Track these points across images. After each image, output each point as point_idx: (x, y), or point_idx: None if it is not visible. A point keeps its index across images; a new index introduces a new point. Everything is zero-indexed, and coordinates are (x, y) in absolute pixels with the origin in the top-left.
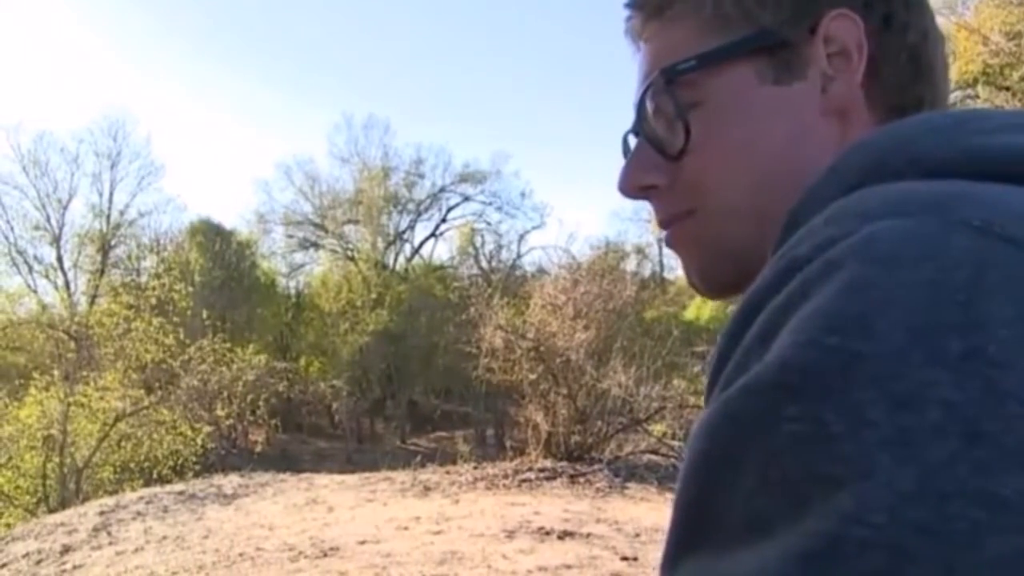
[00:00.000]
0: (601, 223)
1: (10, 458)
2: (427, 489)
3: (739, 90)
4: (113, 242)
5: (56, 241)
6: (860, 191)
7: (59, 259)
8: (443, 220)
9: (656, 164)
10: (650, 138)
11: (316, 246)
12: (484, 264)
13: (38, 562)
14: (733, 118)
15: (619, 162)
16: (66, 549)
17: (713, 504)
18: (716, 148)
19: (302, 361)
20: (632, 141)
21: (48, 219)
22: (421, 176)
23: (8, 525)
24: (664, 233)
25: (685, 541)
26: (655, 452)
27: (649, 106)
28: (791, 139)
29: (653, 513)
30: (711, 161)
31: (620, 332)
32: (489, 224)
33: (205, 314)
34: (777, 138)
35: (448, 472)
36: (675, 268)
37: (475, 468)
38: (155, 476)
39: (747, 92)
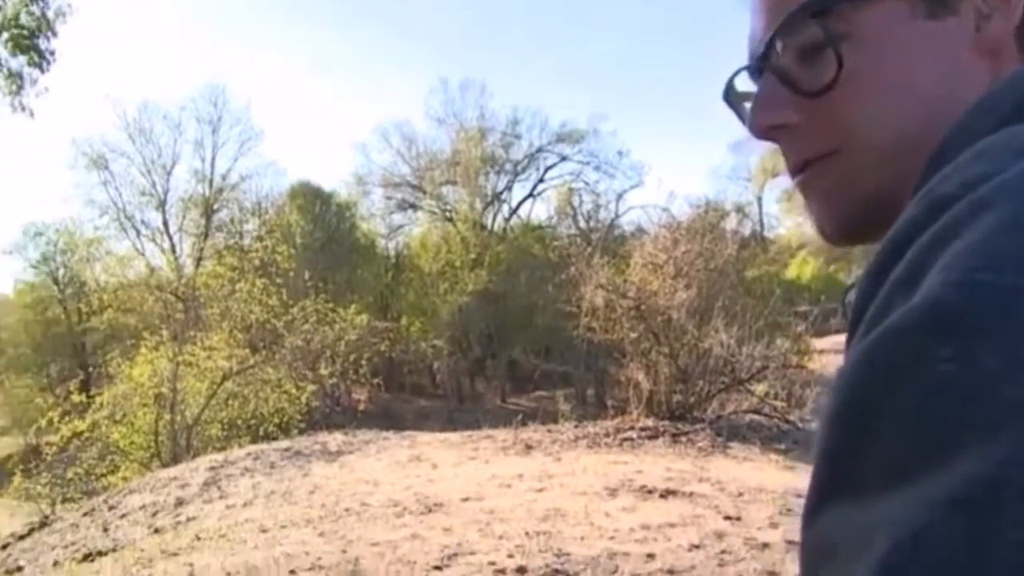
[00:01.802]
0: (700, 182)
1: (124, 415)
2: (529, 447)
3: (891, 23)
4: (216, 206)
5: (162, 206)
6: (1011, 127)
7: (165, 223)
8: (540, 180)
9: (789, 102)
10: (782, 74)
11: (414, 207)
12: (582, 224)
13: (154, 514)
14: (885, 52)
15: (719, 120)
16: (179, 502)
17: (856, 452)
18: (867, 83)
19: (403, 321)
20: (741, 82)
21: (153, 185)
22: (518, 137)
23: (124, 478)
24: (797, 177)
25: (827, 490)
26: (757, 412)
27: (780, 42)
28: (943, 77)
29: (756, 473)
30: (861, 97)
31: (721, 291)
32: (587, 184)
33: (307, 275)
34: (930, 75)
35: (549, 431)
36: (775, 227)
37: (576, 427)
38: (261, 433)
39: (899, 25)
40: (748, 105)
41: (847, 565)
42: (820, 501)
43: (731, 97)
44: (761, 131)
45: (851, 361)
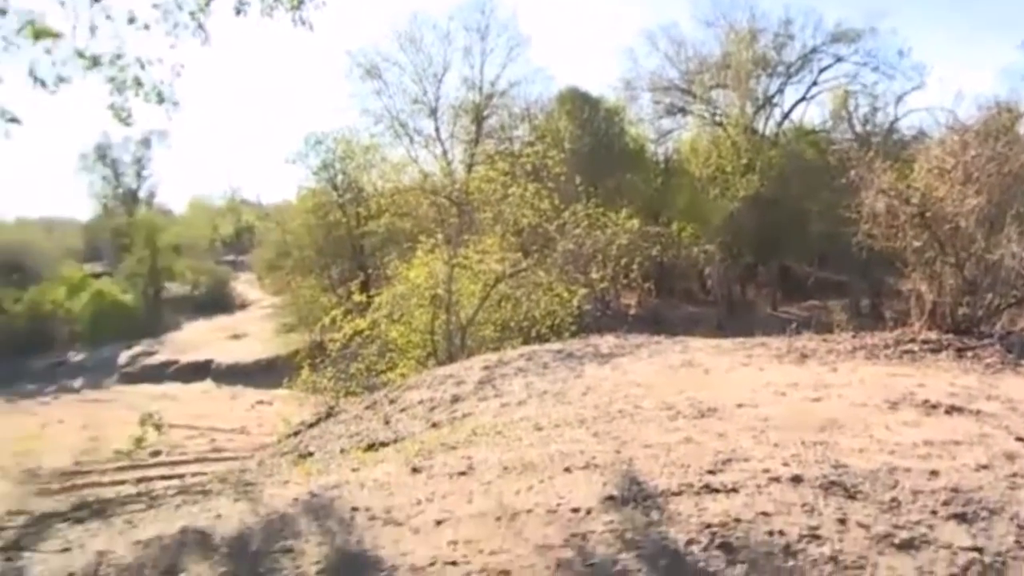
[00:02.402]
0: (986, 83)
1: (402, 314)
2: (804, 356)
3: None
4: (486, 113)
5: (433, 113)
6: None
7: (436, 130)
8: (814, 83)
9: None
10: None
11: (683, 111)
12: (858, 128)
13: (431, 409)
14: None
15: (1007, 16)
16: (455, 399)
17: None
18: None
19: (673, 226)
20: None
21: (425, 93)
22: (790, 37)
23: (402, 375)
24: None
25: None
26: None
27: None
28: None
29: None
30: None
31: (1015, 198)
32: (864, 86)
33: (577, 180)
34: None
35: (825, 340)
36: None
37: (853, 337)
38: (533, 335)
39: None
40: None
41: None
42: None
43: None
44: None
45: None
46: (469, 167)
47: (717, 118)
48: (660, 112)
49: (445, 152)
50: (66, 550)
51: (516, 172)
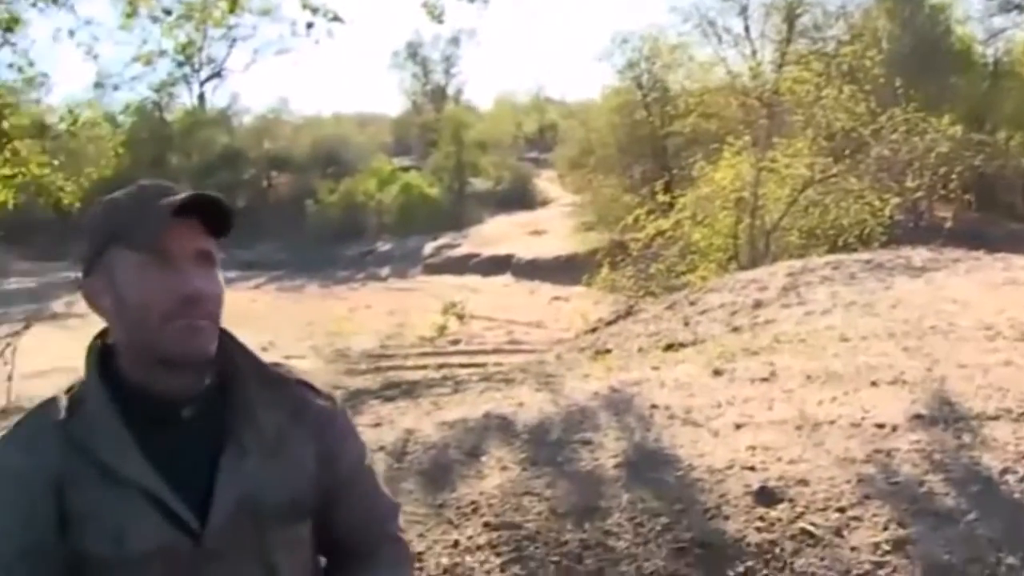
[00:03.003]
0: None
1: (705, 216)
2: None
3: None
4: (799, 11)
5: (743, 12)
6: None
7: (746, 29)
8: None
9: None
10: None
11: (1020, 8)
12: None
13: (732, 313)
14: None
15: None
16: (757, 304)
17: None
18: None
19: (1000, 135)
20: None
21: None
22: None
23: (703, 278)
24: None
25: None
26: None
27: None
28: None
29: None
30: None
31: None
32: None
33: (896, 83)
34: None
35: None
36: None
37: None
38: (840, 244)
39: None
40: None
41: None
42: None
43: None
44: None
45: None
46: (779, 67)
47: None
48: (992, 9)
49: (754, 52)
50: (377, 425)
51: (830, 73)
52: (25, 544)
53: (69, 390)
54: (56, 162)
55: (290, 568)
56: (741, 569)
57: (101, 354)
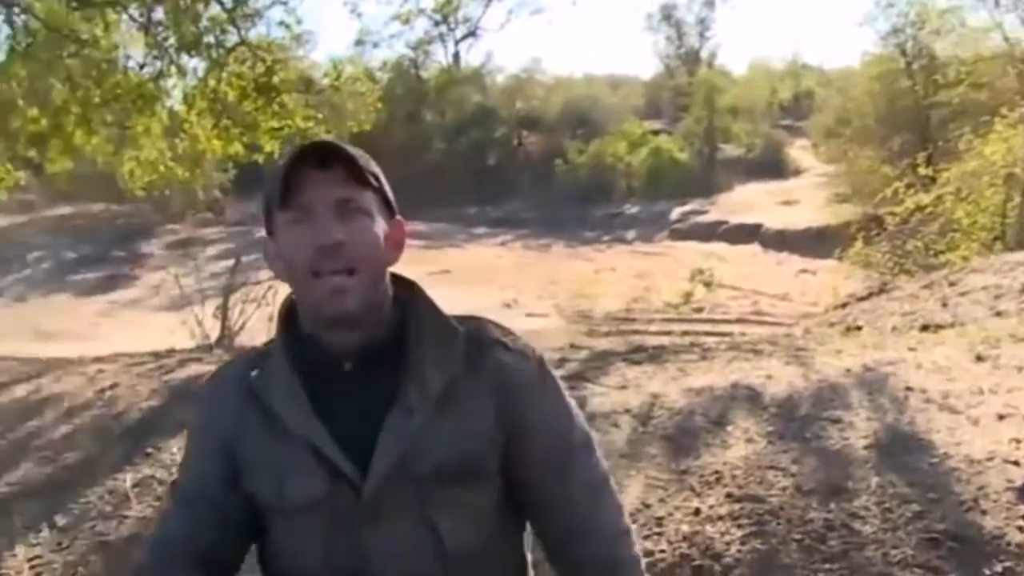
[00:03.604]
0: None
1: (971, 193)
2: None
3: None
4: None
5: None
6: None
7: None
8: None
9: None
10: None
11: None
12: None
13: (996, 296)
14: None
15: None
16: None
17: None
18: None
19: None
20: None
21: None
22: None
23: (964, 257)
24: None
25: None
26: None
27: None
28: None
29: None
30: None
31: None
32: None
33: None
34: None
35: None
36: None
37: None
38: None
39: None
40: None
41: None
42: None
43: None
44: None
45: None
46: None
47: None
48: None
49: None
50: (623, 387)
51: None
52: (202, 490)
53: (268, 343)
54: (320, 116)
55: (453, 531)
56: (999, 568)
57: (288, 310)
